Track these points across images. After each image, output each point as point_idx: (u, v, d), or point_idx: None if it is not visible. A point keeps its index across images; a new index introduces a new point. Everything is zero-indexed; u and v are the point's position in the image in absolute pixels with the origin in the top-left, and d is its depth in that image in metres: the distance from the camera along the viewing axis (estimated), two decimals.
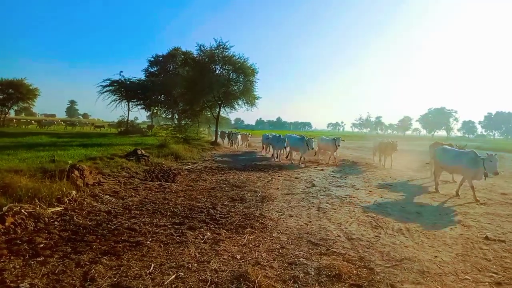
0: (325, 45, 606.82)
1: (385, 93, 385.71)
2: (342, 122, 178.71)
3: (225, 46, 23.70)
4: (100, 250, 4.14)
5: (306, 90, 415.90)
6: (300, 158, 15.02)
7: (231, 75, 24.49)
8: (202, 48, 24.23)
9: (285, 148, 16.46)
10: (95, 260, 3.83)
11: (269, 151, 18.99)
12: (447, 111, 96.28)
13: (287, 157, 16.49)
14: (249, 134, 28.44)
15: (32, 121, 45.42)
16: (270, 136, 18.41)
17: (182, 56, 31.56)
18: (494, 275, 3.89)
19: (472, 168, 8.09)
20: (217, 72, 24.38)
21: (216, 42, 23.87)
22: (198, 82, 23.22)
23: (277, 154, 16.73)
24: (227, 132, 26.93)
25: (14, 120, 42.54)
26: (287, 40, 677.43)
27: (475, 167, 8.03)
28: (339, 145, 15.54)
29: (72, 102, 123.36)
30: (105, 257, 3.93)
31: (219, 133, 27.07)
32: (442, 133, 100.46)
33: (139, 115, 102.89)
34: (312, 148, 14.07)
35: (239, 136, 24.20)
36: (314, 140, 14.64)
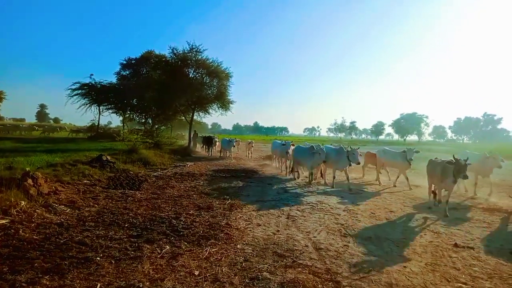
0: (303, 51, 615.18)
1: (360, 98, 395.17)
2: (318, 127, 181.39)
3: (198, 50, 23.12)
4: (42, 268, 3.71)
5: (282, 95, 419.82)
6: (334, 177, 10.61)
7: (204, 78, 24.01)
8: (175, 51, 23.51)
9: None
10: (34, 281, 3.41)
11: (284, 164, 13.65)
12: (419, 116, 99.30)
13: (321, 176, 11.83)
14: (252, 141, 22.02)
15: (36, 127, 42.43)
16: (283, 143, 13.11)
17: (156, 59, 30.77)
18: (463, 285, 3.76)
19: None
20: (190, 75, 23.86)
21: (189, 45, 23.28)
22: (170, 86, 22.60)
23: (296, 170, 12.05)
24: (215, 137, 22.73)
25: (21, 125, 39.95)
26: (266, 46, 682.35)
27: None
28: (411, 159, 10.19)
29: (42, 106, 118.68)
30: (46, 277, 3.51)
31: (199, 138, 25.69)
32: (414, 137, 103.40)
33: (113, 119, 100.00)
34: (358, 163, 10.11)
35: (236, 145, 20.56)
36: (359, 151, 10.17)
